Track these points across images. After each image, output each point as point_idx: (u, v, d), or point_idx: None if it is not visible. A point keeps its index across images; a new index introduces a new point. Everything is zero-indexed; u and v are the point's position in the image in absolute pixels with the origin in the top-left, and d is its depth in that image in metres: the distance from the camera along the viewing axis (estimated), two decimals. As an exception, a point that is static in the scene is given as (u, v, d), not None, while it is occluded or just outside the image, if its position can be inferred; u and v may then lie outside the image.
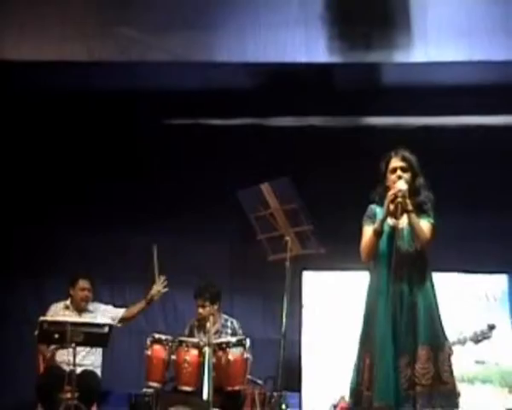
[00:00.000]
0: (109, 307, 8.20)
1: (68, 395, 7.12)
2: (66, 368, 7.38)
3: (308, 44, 7.85)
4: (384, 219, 5.67)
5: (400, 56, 7.85)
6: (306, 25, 7.82)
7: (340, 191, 8.79)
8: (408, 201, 5.64)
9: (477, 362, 8.54)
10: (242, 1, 8.01)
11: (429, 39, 7.79)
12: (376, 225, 5.69)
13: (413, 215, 5.66)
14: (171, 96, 8.81)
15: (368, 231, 5.80)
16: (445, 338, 5.82)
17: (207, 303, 8.00)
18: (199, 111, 9.38)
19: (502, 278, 9.10)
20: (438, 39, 7.79)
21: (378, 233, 5.70)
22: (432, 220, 5.77)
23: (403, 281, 5.69)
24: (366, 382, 5.71)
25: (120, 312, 8.09)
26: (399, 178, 5.72)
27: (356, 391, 5.78)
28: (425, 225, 5.72)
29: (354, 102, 8.98)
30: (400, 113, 9.33)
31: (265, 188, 7.16)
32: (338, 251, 7.91)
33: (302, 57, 7.85)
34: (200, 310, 8.00)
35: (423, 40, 7.79)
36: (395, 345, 5.64)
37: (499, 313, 8.78)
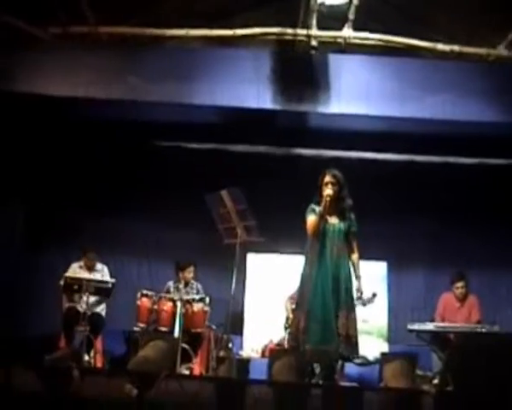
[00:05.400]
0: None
1: (82, 329, 7.33)
2: (81, 310, 7.57)
3: (258, 95, 7.98)
4: (322, 211, 6.08)
5: (321, 108, 7.98)
6: (258, 82, 7.98)
7: (280, 199, 8.79)
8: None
9: (363, 321, 8.51)
10: (215, 62, 8.03)
11: (341, 97, 7.97)
12: (321, 211, 6.07)
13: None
14: (162, 126, 8.81)
15: (312, 217, 6.14)
16: (354, 304, 6.20)
17: (192, 269, 8.28)
18: (180, 137, 9.41)
19: (383, 265, 9.47)
20: (347, 98, 7.98)
21: (321, 216, 6.07)
22: (354, 229, 6.27)
23: (332, 261, 6.06)
24: (302, 330, 5.92)
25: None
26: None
27: (294, 335, 6.01)
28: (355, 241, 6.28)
29: (289, 137, 9.07)
30: (320, 147, 9.32)
31: (224, 193, 7.35)
32: (272, 242, 8.07)
33: (254, 104, 7.98)
34: (187, 275, 8.22)
35: (337, 98, 7.96)
36: (325, 306, 5.93)
37: (380, 288, 8.87)
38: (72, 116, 8.58)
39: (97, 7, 7.71)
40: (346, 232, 6.22)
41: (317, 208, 6.15)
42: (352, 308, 6.08)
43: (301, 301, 6.09)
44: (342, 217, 6.23)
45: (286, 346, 7.53)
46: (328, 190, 6.10)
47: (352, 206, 6.29)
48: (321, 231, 6.14)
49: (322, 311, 5.92)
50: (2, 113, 8.05)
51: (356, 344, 6.05)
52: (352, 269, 6.19)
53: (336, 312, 5.95)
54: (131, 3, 7.96)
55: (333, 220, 6.20)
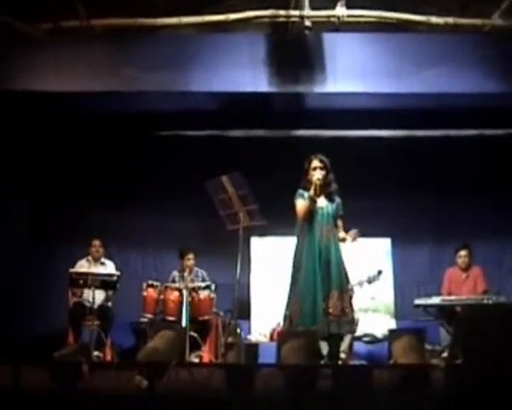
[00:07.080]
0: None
1: (90, 323, 7.33)
2: (88, 304, 7.58)
3: (254, 79, 7.97)
4: (313, 195, 6.20)
5: (318, 88, 7.98)
6: (253, 65, 7.97)
7: (280, 181, 8.15)
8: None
9: (370, 298, 8.71)
10: (209, 49, 8.02)
11: (338, 76, 7.94)
12: (311, 195, 6.20)
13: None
14: (160, 116, 8.78)
15: (301, 202, 6.30)
16: (348, 283, 6.28)
17: (191, 256, 8.29)
18: (178, 126, 9.27)
19: (387, 241, 9.41)
20: (343, 76, 7.95)
21: (312, 200, 6.19)
22: (341, 212, 6.41)
23: (322, 243, 6.19)
24: (295, 312, 6.08)
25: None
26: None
27: (289, 317, 6.14)
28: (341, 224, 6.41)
29: (287, 119, 9.00)
30: (319, 127, 9.19)
31: (225, 179, 7.35)
32: (274, 225, 8.00)
33: (250, 88, 7.98)
34: (187, 262, 8.25)
35: (333, 77, 7.93)
36: (315, 288, 6.04)
37: (385, 264, 8.88)
38: (69, 111, 8.59)
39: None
40: (334, 215, 6.36)
41: (306, 193, 6.30)
42: (346, 288, 6.17)
43: (294, 284, 6.22)
44: (330, 200, 6.37)
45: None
46: (317, 175, 6.25)
47: (338, 190, 6.45)
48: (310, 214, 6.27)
49: (312, 293, 6.04)
50: (1, 112, 8.03)
51: (352, 322, 6.17)
52: (341, 252, 6.28)
53: (328, 293, 6.05)
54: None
55: (321, 204, 6.33)
